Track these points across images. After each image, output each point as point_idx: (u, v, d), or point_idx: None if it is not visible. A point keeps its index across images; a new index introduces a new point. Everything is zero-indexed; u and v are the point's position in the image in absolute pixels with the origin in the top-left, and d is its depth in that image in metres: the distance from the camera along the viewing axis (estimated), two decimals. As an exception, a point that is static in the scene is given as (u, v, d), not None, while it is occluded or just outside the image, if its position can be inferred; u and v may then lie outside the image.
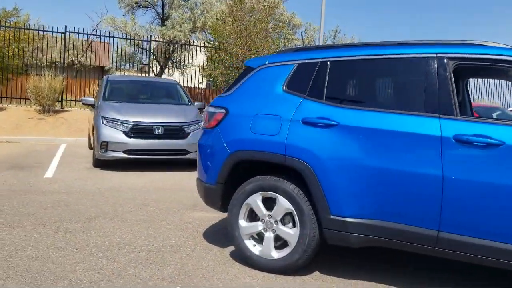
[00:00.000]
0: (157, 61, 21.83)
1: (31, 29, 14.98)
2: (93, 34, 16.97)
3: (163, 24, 23.39)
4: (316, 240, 3.14)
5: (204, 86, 20.93)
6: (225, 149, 3.45)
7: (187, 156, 7.86)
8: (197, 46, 17.49)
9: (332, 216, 3.03)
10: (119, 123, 7.57)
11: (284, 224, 3.25)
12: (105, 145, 7.45)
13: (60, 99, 13.86)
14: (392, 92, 3.22)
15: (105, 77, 9.36)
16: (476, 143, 2.70)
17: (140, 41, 18.70)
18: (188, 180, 7.00)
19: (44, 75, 12.79)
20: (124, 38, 18.22)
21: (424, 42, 3.07)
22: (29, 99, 13.29)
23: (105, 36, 15.96)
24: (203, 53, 17.50)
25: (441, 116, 2.84)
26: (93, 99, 8.74)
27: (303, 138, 3.13)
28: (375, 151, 2.94)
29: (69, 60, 18.17)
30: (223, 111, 3.57)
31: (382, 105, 3.12)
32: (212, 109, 3.68)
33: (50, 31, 14.65)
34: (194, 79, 16.86)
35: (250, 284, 3.08)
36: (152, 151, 7.67)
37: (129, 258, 3.44)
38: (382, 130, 2.94)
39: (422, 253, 2.90)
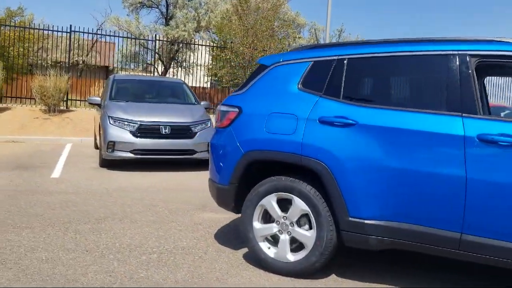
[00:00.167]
0: (161, 60, 21.77)
1: (36, 29, 14.94)
2: (99, 34, 16.93)
3: (167, 24, 23.36)
4: (333, 243, 3.05)
5: (208, 85, 20.87)
6: (238, 149, 3.37)
7: (194, 156, 7.79)
8: (202, 45, 17.42)
9: (350, 218, 2.95)
10: (126, 123, 7.50)
11: (300, 226, 3.17)
12: (112, 145, 7.38)
13: (65, 99, 13.81)
14: (412, 90, 3.13)
15: (111, 77, 9.29)
16: (501, 143, 2.61)
17: (145, 41, 18.63)
18: (195, 180, 6.93)
19: (49, 74, 12.74)
20: (130, 38, 18.19)
21: (445, 39, 2.97)
22: (34, 98, 13.25)
23: (110, 35, 15.91)
24: (208, 52, 17.43)
25: (463, 115, 2.75)
26: (99, 99, 8.67)
27: (320, 138, 3.05)
28: (395, 151, 2.85)
29: (73, 59, 18.11)
30: (236, 110, 3.49)
31: (402, 103, 3.03)
32: (224, 108, 3.60)
33: (55, 31, 14.61)
34: (198, 78, 16.79)
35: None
36: (159, 151, 7.60)
37: (140, 261, 3.37)
38: (402, 129, 2.85)
39: (443, 256, 2.82)
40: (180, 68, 21.51)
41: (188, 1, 23.19)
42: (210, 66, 17.67)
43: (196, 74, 16.96)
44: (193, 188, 6.22)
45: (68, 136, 11.46)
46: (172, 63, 22.11)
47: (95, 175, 6.95)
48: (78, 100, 14.99)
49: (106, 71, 25.14)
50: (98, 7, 59.43)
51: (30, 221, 4.23)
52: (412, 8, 55.80)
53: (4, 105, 13.25)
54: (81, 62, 21.18)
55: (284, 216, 3.20)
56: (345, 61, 3.19)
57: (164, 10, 24.21)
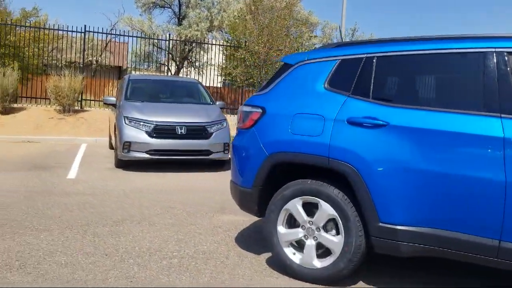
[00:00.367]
0: (174, 60, 21.75)
1: (51, 29, 14.98)
2: (113, 34, 16.96)
3: (180, 23, 23.33)
4: (362, 249, 2.93)
5: (220, 85, 20.80)
6: (262, 150, 3.26)
7: (210, 156, 7.70)
8: (217, 45, 17.34)
9: (380, 223, 2.81)
10: (141, 123, 7.44)
11: (326, 231, 3.04)
12: (127, 145, 7.32)
13: (79, 99, 13.84)
14: (445, 89, 2.97)
15: (126, 77, 9.23)
16: (545, 145, 2.46)
17: (158, 41, 18.62)
18: (210, 181, 6.85)
19: (64, 75, 12.76)
20: (144, 38, 18.19)
21: (481, 36, 2.82)
22: (49, 99, 13.30)
23: (124, 35, 15.90)
24: (221, 51, 17.35)
25: (502, 115, 2.60)
26: (114, 99, 8.61)
27: (349, 139, 2.92)
28: (428, 154, 2.71)
29: (87, 60, 18.16)
30: (260, 110, 3.38)
31: (435, 103, 2.88)
32: (247, 109, 3.49)
33: (69, 31, 14.64)
34: (211, 78, 16.72)
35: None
36: (175, 152, 7.51)
37: (161, 265, 3.27)
38: (437, 130, 2.70)
39: (480, 264, 2.67)
40: (192, 68, 21.48)
41: (201, 0, 23.13)
42: (224, 66, 17.57)
43: (209, 73, 16.87)
44: (209, 189, 6.12)
45: (83, 136, 11.47)
46: (185, 63, 22.08)
47: (111, 175, 6.89)
48: (92, 100, 15.00)
49: (119, 71, 25.23)
50: (111, 8, 59.70)
51: (48, 223, 4.17)
52: (412, 8, 55.36)
53: (20, 105, 13.31)
54: (94, 62, 21.26)
55: (310, 221, 3.08)
56: (374, 60, 3.05)
57: (176, 9, 24.20)
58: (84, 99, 14.43)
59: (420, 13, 57.47)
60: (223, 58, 18.07)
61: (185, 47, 21.35)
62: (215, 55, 16.76)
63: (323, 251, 3.07)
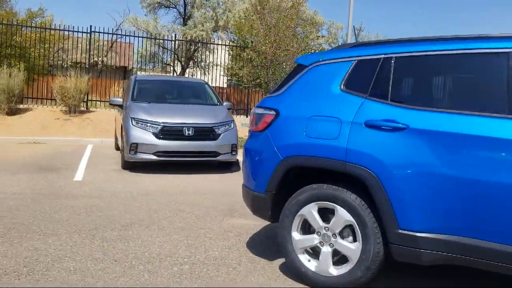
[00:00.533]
0: (179, 60, 21.69)
1: (57, 29, 14.95)
2: (119, 34, 16.92)
3: (185, 24, 23.26)
4: (380, 256, 2.82)
5: (225, 85, 20.71)
6: (276, 154, 3.16)
7: (218, 158, 7.61)
8: (222, 45, 17.25)
9: (400, 230, 2.71)
10: (148, 124, 7.36)
11: (343, 237, 2.94)
12: (134, 147, 7.24)
13: (85, 100, 13.79)
14: (468, 91, 2.85)
15: (132, 77, 9.16)
16: None
17: (164, 41, 18.55)
18: (218, 183, 6.76)
19: (70, 75, 12.71)
20: (150, 38, 18.13)
21: (506, 35, 2.71)
22: (54, 99, 13.26)
23: (130, 35, 15.85)
24: (226, 52, 17.26)
25: (529, 118, 2.49)
26: (121, 100, 8.53)
27: (367, 143, 2.82)
28: (452, 158, 2.61)
29: (93, 60, 18.12)
30: (273, 112, 3.28)
31: (457, 106, 2.76)
32: (260, 111, 3.39)
33: (75, 31, 14.59)
34: (216, 78, 16.63)
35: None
36: (182, 153, 7.43)
37: (172, 272, 3.18)
38: (460, 134, 2.60)
39: (507, 274, 2.56)
40: (197, 68, 21.40)
41: (206, 0, 23.06)
42: (229, 66, 17.47)
43: (214, 74, 16.78)
44: (218, 191, 6.04)
45: (89, 137, 11.41)
46: (190, 63, 22.01)
47: (118, 177, 6.82)
48: (98, 101, 14.95)
49: (124, 71, 25.20)
50: (117, 8, 59.81)
51: (55, 228, 4.09)
52: (412, 7, 55.10)
53: (25, 106, 13.28)
54: (100, 62, 21.22)
55: (325, 227, 2.98)
56: (392, 60, 2.95)
57: (182, 10, 24.13)
58: (89, 100, 14.39)
59: (421, 13, 57.26)
60: (229, 59, 17.97)
61: (190, 47, 21.28)
62: (220, 55, 16.68)
63: (338, 258, 2.97)
